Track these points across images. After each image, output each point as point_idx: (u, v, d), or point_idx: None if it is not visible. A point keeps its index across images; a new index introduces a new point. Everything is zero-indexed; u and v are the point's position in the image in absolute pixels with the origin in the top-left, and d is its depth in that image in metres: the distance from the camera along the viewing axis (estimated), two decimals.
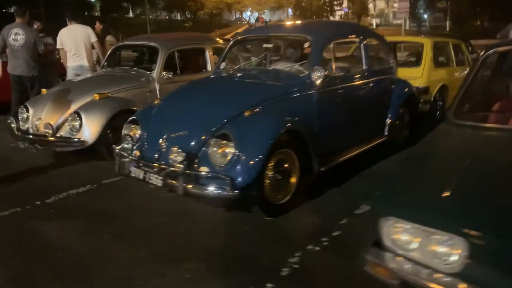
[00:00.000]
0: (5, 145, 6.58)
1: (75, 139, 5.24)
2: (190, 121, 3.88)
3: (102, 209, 4.19)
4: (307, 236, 3.55)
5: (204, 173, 3.53)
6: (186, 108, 4.01)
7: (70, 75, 7.52)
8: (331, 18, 56.24)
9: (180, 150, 3.57)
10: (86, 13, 61.73)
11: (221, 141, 3.57)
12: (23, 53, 7.33)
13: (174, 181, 3.59)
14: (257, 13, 61.83)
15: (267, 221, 3.80)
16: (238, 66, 5.04)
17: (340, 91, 4.52)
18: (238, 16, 67.74)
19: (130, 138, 4.01)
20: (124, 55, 7.48)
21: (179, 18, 69.90)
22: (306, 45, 4.75)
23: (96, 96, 5.47)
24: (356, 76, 4.80)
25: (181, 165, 3.53)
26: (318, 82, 4.14)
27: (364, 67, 4.93)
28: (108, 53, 6.85)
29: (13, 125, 5.75)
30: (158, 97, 5.98)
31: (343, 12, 58.15)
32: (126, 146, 3.99)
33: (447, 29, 53.69)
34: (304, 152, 3.96)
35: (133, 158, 3.88)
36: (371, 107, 5.08)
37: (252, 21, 62.13)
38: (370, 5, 57.69)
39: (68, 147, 5.33)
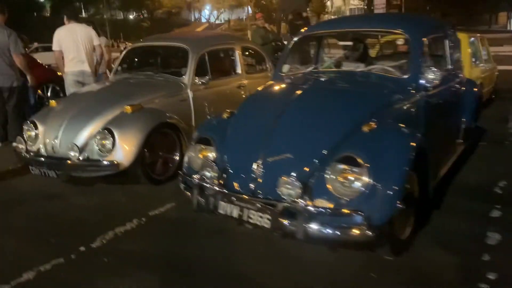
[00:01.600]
0: (5, 169, 5.46)
1: (107, 162, 4.25)
2: (291, 140, 3.02)
3: (171, 254, 3.26)
4: (455, 280, 2.81)
5: (330, 209, 2.70)
6: (280, 123, 3.13)
7: (70, 82, 6.43)
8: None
9: (292, 179, 2.72)
10: (35, 13, 58.79)
11: (345, 166, 2.74)
12: None
13: (287, 221, 2.74)
14: (215, 12, 60.82)
15: (392, 262, 3.01)
16: (311, 68, 4.20)
17: (440, 95, 3.79)
18: (197, 15, 66.39)
19: (211, 164, 3.10)
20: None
21: (134, 17, 67.69)
22: (400, 42, 4.00)
23: (128, 108, 4.48)
24: (448, 77, 4.09)
25: (299, 200, 2.69)
26: (432, 85, 3.40)
27: (449, 66, 4.23)
28: (121, 57, 5.82)
29: (21, 146, 4.67)
30: (192, 106, 5.10)
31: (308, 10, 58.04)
32: (208, 174, 3.08)
33: None
34: (422, 173, 3.20)
35: (221, 190, 2.99)
36: (452, 112, 4.40)
37: (212, 19, 61.17)
38: (328, 3, 57.89)
39: (99, 171, 4.32)
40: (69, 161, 4.28)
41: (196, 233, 3.58)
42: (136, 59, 6.04)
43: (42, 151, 4.65)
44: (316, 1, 54.49)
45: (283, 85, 3.93)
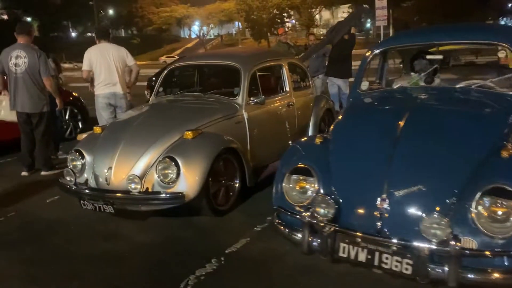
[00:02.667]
0: (41, 202, 4.98)
1: (171, 193, 3.81)
2: (419, 170, 2.61)
3: None
4: None
5: (488, 250, 2.30)
6: (399, 150, 2.73)
7: (101, 105, 6.00)
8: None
9: (438, 217, 2.32)
10: None
11: (495, 198, 2.36)
12: (28, 82, 5.70)
13: (434, 266, 2.33)
14: (205, 27, 60.62)
15: None
16: (398, 84, 3.81)
17: None
18: (187, 31, 66.16)
19: (326, 198, 2.67)
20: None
21: (123, 35, 67.28)
22: (502, 54, 3.65)
23: (189, 134, 4.05)
24: None
25: (449, 241, 2.29)
26: None
27: None
28: (162, 77, 5.39)
29: (69, 178, 4.20)
30: (247, 128, 4.69)
31: (290, 24, 58.26)
32: (321, 210, 2.66)
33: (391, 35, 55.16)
34: None
35: (341, 229, 2.57)
36: None
37: (204, 35, 60.99)
38: (317, 16, 58.21)
39: (162, 204, 3.87)
40: (129, 194, 3.83)
41: (284, 272, 3.15)
42: (178, 79, 5.61)
43: (91, 183, 4.20)
44: (305, 14, 54.75)
45: (377, 104, 3.54)
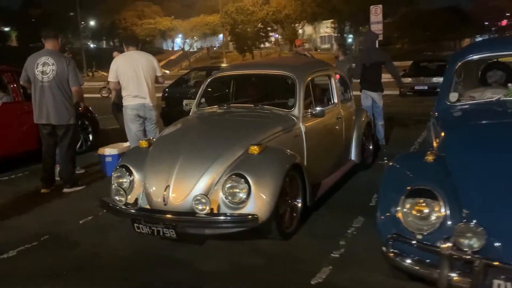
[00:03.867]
0: (73, 223, 4.47)
1: (244, 215, 3.37)
2: None
3: None
4: None
5: None
6: None
7: (129, 117, 5.55)
8: (267, 44, 56.37)
9: None
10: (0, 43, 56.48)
11: None
12: (55, 91, 5.25)
13: None
14: (188, 40, 60.18)
15: None
16: (496, 97, 3.49)
17: None
18: (171, 43, 65.58)
19: (472, 227, 2.29)
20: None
21: (104, 46, 66.22)
22: None
23: (254, 149, 3.64)
24: None
25: None
26: None
27: None
28: (203, 87, 4.96)
29: (117, 198, 3.73)
30: (304, 142, 4.32)
31: (273, 38, 58.45)
32: (466, 241, 2.28)
33: None
34: None
35: (498, 264, 2.20)
36: None
37: (187, 47, 60.44)
38: (300, 31, 58.58)
39: (233, 227, 3.42)
40: (196, 217, 3.38)
41: None
42: (221, 90, 5.20)
43: (141, 203, 3.75)
44: (288, 29, 55.03)
45: (484, 118, 3.21)
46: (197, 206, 3.38)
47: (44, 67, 5.21)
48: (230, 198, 3.43)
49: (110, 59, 6.06)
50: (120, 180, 3.93)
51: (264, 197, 3.43)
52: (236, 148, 3.73)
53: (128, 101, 5.51)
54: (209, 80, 4.98)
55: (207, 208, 3.36)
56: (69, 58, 5.36)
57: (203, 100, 4.92)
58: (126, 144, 6.31)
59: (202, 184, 3.52)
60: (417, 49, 46.34)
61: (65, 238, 4.11)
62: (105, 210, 3.98)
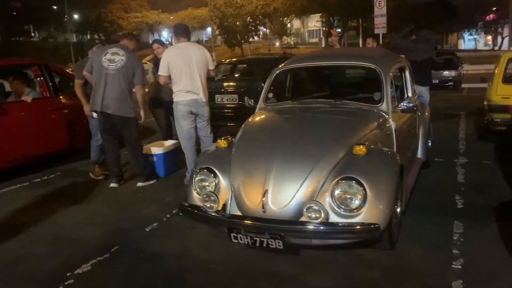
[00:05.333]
0: (140, 231, 4.06)
1: (366, 225, 3.00)
2: None
3: None
4: None
5: None
6: None
7: (181, 113, 5.13)
8: (256, 38, 55.77)
9: None
10: None
11: None
12: (119, 81, 4.99)
13: None
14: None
15: None
16: None
17: None
18: (157, 37, 64.40)
19: None
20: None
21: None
22: None
23: (360, 149, 3.26)
24: None
25: None
26: None
27: None
28: (269, 81, 4.55)
29: (208, 204, 3.32)
30: (394, 140, 3.97)
31: (261, 32, 57.91)
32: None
33: (360, 45, 55.83)
34: None
35: None
36: None
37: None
38: (288, 25, 58.27)
39: (350, 238, 3.06)
40: (309, 226, 3.01)
41: None
42: (291, 83, 4.80)
43: (231, 209, 3.36)
44: (276, 23, 54.68)
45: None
46: (309, 214, 3.00)
47: (112, 56, 5.06)
48: (343, 205, 3.06)
49: None
50: (204, 184, 3.53)
51: (382, 203, 3.07)
52: (337, 149, 3.36)
53: (180, 97, 5.09)
54: (276, 73, 4.57)
55: (322, 216, 2.99)
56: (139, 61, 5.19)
57: (270, 94, 4.52)
58: (170, 142, 5.91)
59: (305, 189, 3.14)
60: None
61: (139, 249, 3.69)
62: (191, 218, 3.56)
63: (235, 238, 3.19)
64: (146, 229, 4.08)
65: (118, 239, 3.89)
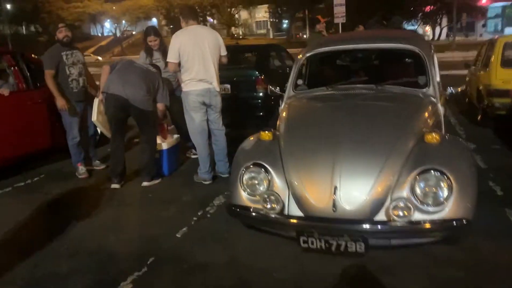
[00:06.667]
0: (170, 235, 3.56)
1: (455, 220, 2.70)
2: None
3: None
4: None
5: None
6: None
7: (192, 104, 4.65)
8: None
9: None
10: None
11: None
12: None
13: None
14: (123, 24, 56.90)
15: None
16: None
17: None
18: (100, 28, 61.63)
19: None
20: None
21: (24, 32, 60.75)
22: None
23: (433, 137, 2.98)
24: None
25: None
26: None
27: None
28: (297, 66, 4.16)
29: (270, 205, 2.90)
30: (442, 126, 3.73)
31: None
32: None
33: (306, 36, 56.32)
34: None
35: None
36: None
37: (118, 33, 57.03)
38: (236, 16, 57.77)
39: (438, 236, 2.78)
40: (397, 225, 2.67)
41: None
42: (322, 68, 4.41)
43: (290, 209, 2.96)
44: (225, 14, 54.05)
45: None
46: (396, 212, 2.68)
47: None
48: (427, 200, 2.75)
49: (34, 45, 5.17)
50: (254, 182, 3.11)
51: (469, 195, 2.80)
52: (406, 138, 3.06)
53: (192, 86, 4.58)
54: (303, 57, 4.18)
55: (410, 213, 2.66)
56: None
57: (299, 81, 4.14)
58: (172, 137, 5.36)
59: (380, 184, 2.81)
60: None
61: (180, 259, 3.20)
62: (245, 222, 3.14)
63: (305, 242, 2.81)
64: (177, 235, 3.59)
65: (149, 248, 3.39)
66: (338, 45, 4.28)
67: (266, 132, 3.39)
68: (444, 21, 46.42)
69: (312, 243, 2.79)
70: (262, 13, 58.96)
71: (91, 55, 47.80)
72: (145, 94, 4.65)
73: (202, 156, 4.75)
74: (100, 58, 46.15)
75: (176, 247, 3.40)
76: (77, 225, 3.90)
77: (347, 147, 2.97)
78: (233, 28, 55.99)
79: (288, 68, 8.23)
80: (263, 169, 3.09)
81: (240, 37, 56.40)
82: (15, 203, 4.57)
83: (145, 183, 4.80)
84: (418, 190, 2.76)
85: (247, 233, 3.39)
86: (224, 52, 4.76)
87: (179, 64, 4.57)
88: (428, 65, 3.76)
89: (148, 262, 3.17)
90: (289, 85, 4.14)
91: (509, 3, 44.12)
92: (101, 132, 6.49)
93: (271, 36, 58.37)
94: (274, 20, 57.75)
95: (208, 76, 4.57)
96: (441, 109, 3.69)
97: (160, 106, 4.90)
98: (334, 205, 2.77)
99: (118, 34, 54.78)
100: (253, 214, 2.99)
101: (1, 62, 5.73)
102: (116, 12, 50.78)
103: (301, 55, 4.20)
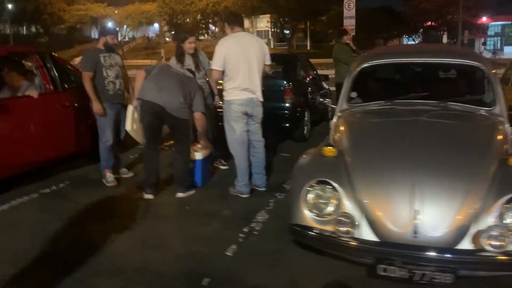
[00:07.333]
0: (222, 258, 3.31)
1: None
2: None
3: None
4: None
5: None
6: None
7: (235, 113, 4.44)
8: (206, 36, 54.61)
9: None
10: None
11: None
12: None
13: None
14: (125, 28, 56.62)
15: None
16: None
17: None
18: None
19: None
20: None
21: (25, 33, 60.35)
22: None
23: None
24: None
25: None
26: None
27: None
28: (351, 79, 3.95)
29: (344, 228, 2.67)
30: (509, 149, 3.51)
31: (210, 31, 56.85)
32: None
33: (308, 48, 56.42)
34: None
35: None
36: None
37: (120, 37, 56.73)
38: None
39: None
40: (492, 256, 2.45)
41: None
42: (376, 81, 4.21)
43: (363, 233, 2.73)
44: None
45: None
46: (490, 242, 2.46)
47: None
48: None
49: (33, 46, 4.98)
50: (321, 201, 2.88)
51: None
52: (487, 161, 2.86)
53: (235, 95, 4.37)
54: (357, 70, 3.98)
55: (506, 244, 2.45)
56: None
57: (354, 94, 3.93)
58: (205, 147, 5.11)
59: (465, 210, 2.59)
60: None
61: (236, 281, 2.97)
62: (313, 245, 2.89)
63: (385, 270, 2.58)
64: (227, 253, 3.35)
65: (200, 267, 3.15)
66: (399, 58, 4.06)
67: (329, 147, 3.16)
68: (445, 38, 46.61)
69: (394, 271, 2.56)
70: (264, 22, 58.89)
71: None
72: (182, 101, 4.43)
73: (241, 169, 4.53)
74: None
75: (229, 267, 3.16)
76: (116, 238, 3.65)
77: (427, 169, 2.76)
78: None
79: (310, 78, 8.05)
80: (330, 188, 2.87)
81: None
82: (44, 211, 4.31)
83: (180, 194, 4.56)
84: (508, 219, 2.55)
85: (300, 253, 3.18)
86: (268, 61, 4.57)
87: (223, 72, 4.36)
88: (494, 83, 3.57)
89: (204, 284, 2.92)
90: (342, 97, 3.93)
91: (508, 22, 44.46)
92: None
93: (272, 46, 58.39)
94: (275, 30, 57.82)
95: (252, 85, 4.37)
96: (509, 131, 3.48)
97: (197, 115, 4.64)
98: (415, 231, 2.55)
99: (123, 39, 54.47)
100: (322, 236, 2.76)
101: (28, 62, 5.49)
102: (119, 16, 50.51)
103: (355, 67, 3.99)
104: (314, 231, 2.82)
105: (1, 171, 4.55)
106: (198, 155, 4.81)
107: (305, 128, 7.19)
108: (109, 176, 5.01)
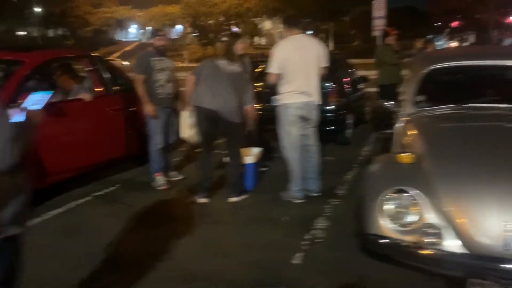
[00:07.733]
0: (287, 265, 3.21)
1: None
2: None
3: None
4: None
5: None
6: None
7: (291, 117, 4.35)
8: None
9: None
10: None
11: None
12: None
13: None
14: (143, 30, 57.23)
15: None
16: None
17: None
18: (125, 33, 62.04)
19: None
20: None
21: (51, 35, 61.45)
22: None
23: None
24: None
25: None
26: None
27: None
28: (418, 81, 3.82)
29: (433, 240, 2.55)
30: None
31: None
32: None
33: (331, 49, 56.01)
34: None
35: None
36: None
37: (143, 38, 57.36)
38: (259, 26, 57.77)
39: None
40: None
41: None
42: (443, 84, 4.07)
43: (449, 245, 2.60)
44: (249, 24, 54.05)
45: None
46: None
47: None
48: None
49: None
50: (400, 210, 2.76)
51: None
52: None
53: (292, 99, 4.29)
54: (425, 72, 3.84)
55: None
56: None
57: (421, 98, 3.79)
58: (256, 150, 5.04)
59: None
60: (370, 47, 46.98)
61: None
62: (392, 257, 2.77)
63: (476, 284, 2.45)
64: (293, 262, 3.26)
65: (271, 276, 3.08)
66: (471, 60, 3.89)
67: (406, 154, 3.04)
68: (472, 38, 45.67)
69: (485, 286, 2.42)
70: None
71: (116, 59, 48.08)
72: (236, 104, 4.36)
73: (295, 173, 4.44)
74: (124, 63, 46.32)
75: (301, 276, 3.07)
76: (177, 243, 3.59)
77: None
78: (256, 38, 55.96)
79: (351, 79, 7.87)
80: (409, 196, 2.75)
81: (263, 47, 56.27)
82: (100, 214, 4.31)
83: (233, 199, 4.50)
84: None
85: (371, 263, 3.06)
86: (326, 64, 4.46)
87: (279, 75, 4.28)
88: None
89: None
90: (409, 101, 3.80)
91: None
92: None
93: None
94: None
95: (310, 88, 4.29)
96: None
97: (249, 107, 4.54)
98: (506, 243, 2.42)
99: (143, 40, 55.00)
100: (403, 247, 2.64)
101: (79, 65, 5.51)
102: (143, 19, 51.07)
103: (422, 69, 3.85)
104: (393, 241, 2.70)
105: (54, 174, 4.55)
106: (249, 159, 4.74)
107: (349, 131, 7.05)
108: (160, 179, 4.98)
